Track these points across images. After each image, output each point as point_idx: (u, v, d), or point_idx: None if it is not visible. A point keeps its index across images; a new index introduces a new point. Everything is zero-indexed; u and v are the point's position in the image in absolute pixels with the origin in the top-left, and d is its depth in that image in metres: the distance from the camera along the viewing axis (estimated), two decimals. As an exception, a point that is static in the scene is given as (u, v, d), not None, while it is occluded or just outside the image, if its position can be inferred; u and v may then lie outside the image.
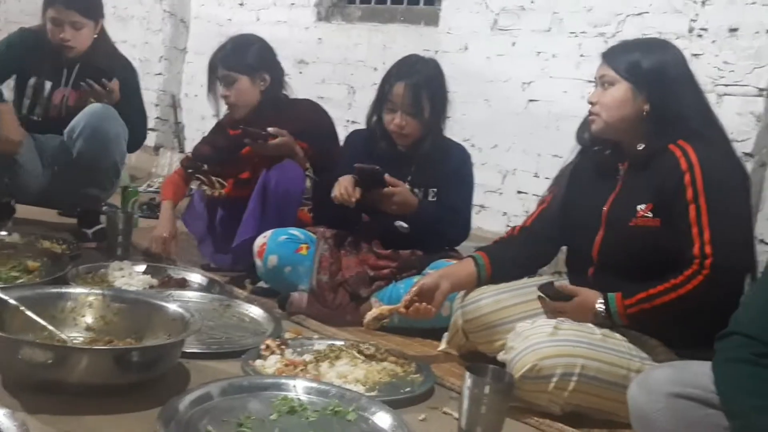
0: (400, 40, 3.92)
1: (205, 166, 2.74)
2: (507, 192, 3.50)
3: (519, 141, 3.44)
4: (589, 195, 1.88)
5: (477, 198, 3.46)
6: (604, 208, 1.83)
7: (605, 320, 1.72)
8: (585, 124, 1.90)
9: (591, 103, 1.82)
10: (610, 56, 1.82)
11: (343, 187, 2.18)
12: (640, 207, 1.75)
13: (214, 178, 2.72)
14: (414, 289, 1.90)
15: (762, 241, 2.61)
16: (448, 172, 2.39)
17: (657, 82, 1.76)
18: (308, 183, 2.53)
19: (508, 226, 3.17)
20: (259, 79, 2.60)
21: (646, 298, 1.67)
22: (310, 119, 2.65)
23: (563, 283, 1.79)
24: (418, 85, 2.28)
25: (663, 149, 1.74)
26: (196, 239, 2.83)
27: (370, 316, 1.90)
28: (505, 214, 3.48)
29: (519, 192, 3.44)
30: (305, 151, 2.53)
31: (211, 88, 2.64)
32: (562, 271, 2.04)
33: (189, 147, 4.80)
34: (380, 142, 2.38)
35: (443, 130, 2.42)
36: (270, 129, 2.44)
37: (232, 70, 2.58)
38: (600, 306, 1.72)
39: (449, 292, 1.92)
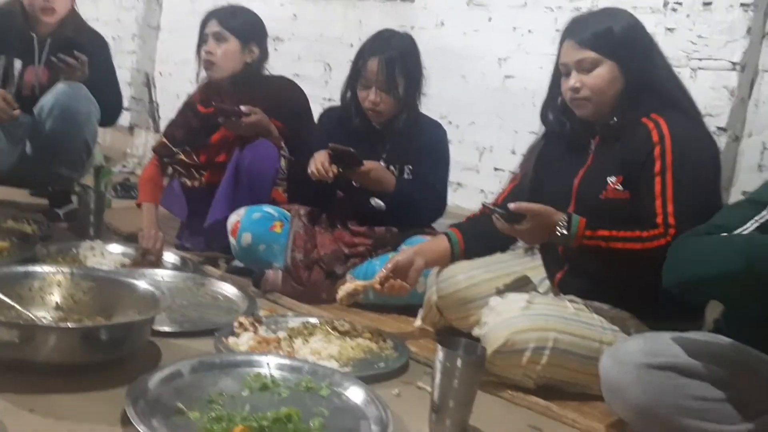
0: (376, 16, 3.87)
1: (180, 154, 2.64)
2: (484, 169, 3.50)
3: (496, 118, 3.43)
4: (559, 170, 1.88)
5: (454, 175, 3.45)
6: (575, 182, 1.82)
7: (558, 239, 1.69)
8: (549, 105, 1.90)
9: (574, 89, 1.76)
10: (580, 36, 1.76)
11: (320, 163, 2.16)
12: (611, 180, 1.75)
13: (191, 166, 2.65)
14: (388, 265, 1.89)
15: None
16: (424, 148, 2.37)
17: (633, 55, 1.75)
18: (283, 162, 2.50)
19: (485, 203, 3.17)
20: (247, 50, 2.57)
21: (607, 237, 1.65)
22: (285, 97, 2.62)
23: (520, 204, 1.74)
24: (392, 60, 2.25)
25: (636, 122, 1.74)
26: (180, 219, 2.77)
27: (343, 291, 1.90)
28: (482, 191, 3.47)
29: (496, 169, 3.43)
30: (280, 129, 2.50)
31: (201, 46, 2.57)
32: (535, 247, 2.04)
33: (164, 126, 4.73)
34: (354, 119, 2.36)
35: (418, 107, 2.40)
36: (243, 107, 2.40)
37: (226, 28, 2.53)
38: (561, 227, 1.67)
39: (423, 268, 1.91)
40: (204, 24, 2.57)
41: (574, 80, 1.76)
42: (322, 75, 4.11)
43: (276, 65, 4.00)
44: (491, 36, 3.41)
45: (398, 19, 3.73)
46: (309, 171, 2.18)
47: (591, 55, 1.74)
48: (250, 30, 2.57)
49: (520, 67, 3.31)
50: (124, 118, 5.09)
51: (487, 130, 3.47)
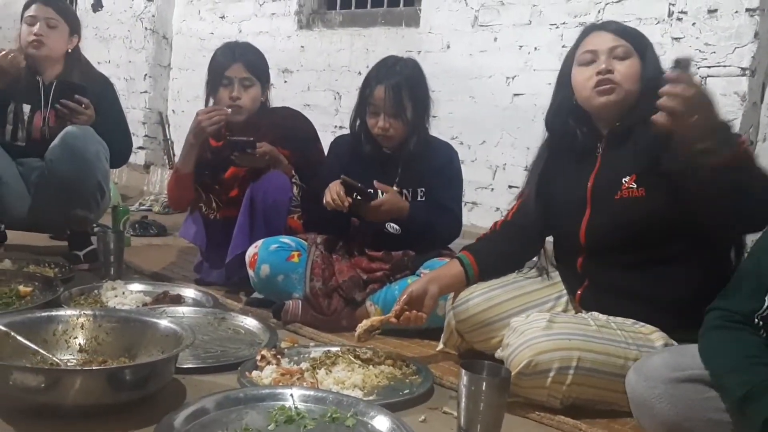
0: (382, 43, 3.92)
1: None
2: (498, 187, 3.50)
3: (507, 135, 3.44)
4: (569, 177, 1.87)
5: (468, 194, 3.48)
6: (588, 185, 1.82)
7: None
8: (555, 110, 1.89)
9: (606, 71, 1.73)
10: (614, 28, 1.79)
11: (335, 193, 2.17)
12: (625, 179, 1.74)
13: (212, 196, 2.69)
14: (403, 297, 1.89)
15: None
16: (436, 170, 2.38)
17: (652, 58, 1.78)
18: (295, 190, 2.52)
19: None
20: (265, 89, 2.62)
21: None
22: (291, 126, 2.65)
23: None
24: (399, 86, 2.27)
25: (645, 120, 1.73)
26: (199, 249, 2.79)
27: (361, 328, 1.89)
28: (497, 209, 3.47)
29: (510, 186, 3.44)
30: (288, 157, 2.53)
31: (215, 89, 2.61)
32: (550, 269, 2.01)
33: (179, 163, 4.78)
34: (365, 145, 2.38)
35: (428, 129, 2.41)
36: (253, 139, 2.43)
37: (252, 73, 2.58)
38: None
39: (438, 295, 1.91)
40: (225, 67, 2.60)
41: (606, 64, 1.74)
42: (332, 103, 4.15)
43: (286, 96, 4.09)
44: (498, 55, 3.43)
45: (405, 44, 3.77)
46: (324, 201, 2.19)
47: (625, 44, 1.75)
48: (266, 71, 2.65)
49: (528, 84, 3.32)
50: (140, 157, 5.17)
51: (499, 148, 3.48)
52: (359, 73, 3.90)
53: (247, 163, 2.49)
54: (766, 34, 2.60)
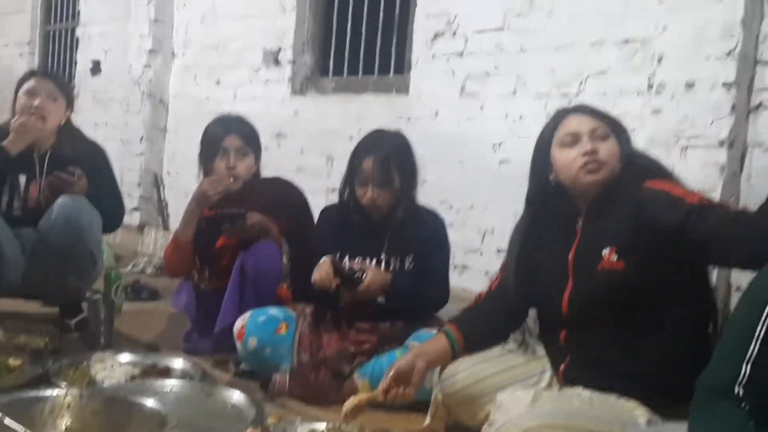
0: (373, 109, 4.01)
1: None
2: (487, 251, 3.54)
3: (495, 200, 3.49)
4: (550, 248, 1.92)
5: (458, 258, 3.51)
6: (569, 257, 1.86)
7: None
8: (535, 188, 1.95)
9: (591, 152, 1.80)
10: (589, 110, 1.89)
11: (324, 272, 2.22)
12: (605, 251, 1.79)
13: (203, 266, 2.72)
14: (390, 373, 1.91)
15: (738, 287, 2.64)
16: (423, 238, 2.43)
17: (624, 137, 1.87)
18: (285, 260, 2.55)
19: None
20: (258, 160, 2.69)
21: None
22: (282, 195, 2.71)
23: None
24: (387, 158, 2.34)
25: (625, 193, 1.79)
26: (189, 318, 2.81)
27: (348, 406, 1.90)
28: (487, 273, 3.49)
29: (498, 251, 3.46)
30: (279, 227, 2.57)
31: (210, 159, 2.66)
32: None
33: (173, 223, 4.84)
34: (354, 214, 2.43)
35: (415, 198, 2.47)
36: (243, 212, 2.48)
37: (248, 144, 2.65)
38: None
39: (425, 370, 1.93)
40: (221, 137, 2.66)
41: (589, 145, 1.80)
42: (324, 167, 4.22)
43: (281, 159, 4.16)
44: (485, 123, 3.51)
45: (395, 110, 3.86)
46: (312, 279, 2.22)
47: (603, 125, 1.84)
48: (259, 142, 2.74)
49: (515, 151, 3.39)
50: (134, 218, 5.21)
51: (488, 212, 3.53)
52: (351, 137, 3.96)
53: (238, 233, 2.54)
54: (742, 107, 2.68)
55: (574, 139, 1.84)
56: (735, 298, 2.67)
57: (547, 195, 1.93)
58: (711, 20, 2.63)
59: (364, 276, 2.26)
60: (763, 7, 2.66)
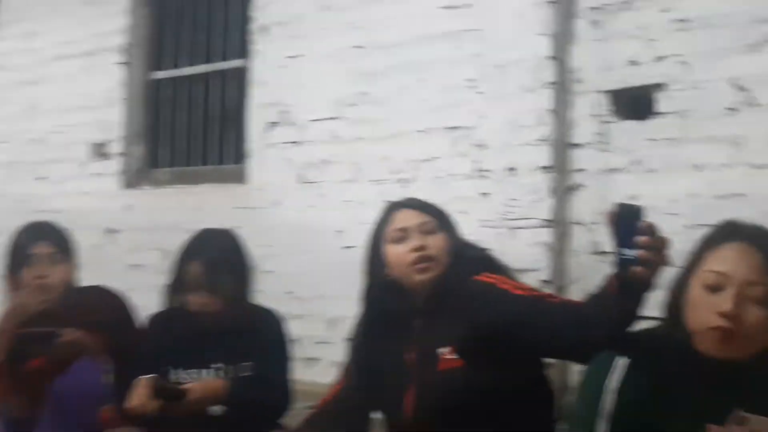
0: (211, 200, 3.89)
1: None
2: (336, 341, 3.45)
3: (341, 288, 3.43)
4: (388, 350, 1.85)
5: (308, 350, 3.40)
6: (408, 359, 1.80)
7: None
8: (369, 286, 1.91)
9: (420, 247, 1.77)
10: (418, 204, 1.87)
11: (138, 396, 2.01)
12: (443, 351, 1.75)
13: (17, 392, 2.41)
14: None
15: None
16: (261, 341, 2.28)
17: (453, 230, 1.87)
18: (108, 379, 2.32)
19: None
20: (73, 268, 2.45)
21: None
22: (101, 305, 2.48)
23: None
24: (215, 260, 2.21)
25: (456, 292, 1.77)
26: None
27: None
28: (336, 364, 3.40)
29: (349, 339, 3.40)
30: (100, 343, 2.34)
31: (18, 269, 2.39)
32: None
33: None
34: (183, 322, 2.26)
35: (248, 299, 2.33)
36: (54, 329, 2.23)
37: (60, 251, 2.40)
38: None
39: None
40: (29, 245, 2.42)
41: (419, 241, 1.77)
42: (161, 263, 3.99)
43: (111, 257, 3.90)
44: (325, 210, 3.50)
45: (233, 201, 3.77)
46: (125, 407, 2.02)
47: (432, 219, 1.82)
48: (74, 248, 2.48)
49: (357, 237, 3.36)
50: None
51: (335, 301, 3.46)
52: (188, 230, 3.80)
53: (51, 354, 2.27)
54: (561, 187, 2.85)
55: (403, 234, 1.82)
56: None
57: (382, 292, 1.88)
58: (524, 109, 2.81)
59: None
60: (570, 96, 2.88)
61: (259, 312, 2.36)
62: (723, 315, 1.30)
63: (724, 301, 1.30)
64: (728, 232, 1.39)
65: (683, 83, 2.66)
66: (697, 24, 2.62)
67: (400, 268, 1.81)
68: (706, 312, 1.32)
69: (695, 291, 1.36)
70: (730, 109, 2.57)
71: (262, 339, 2.29)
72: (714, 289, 1.33)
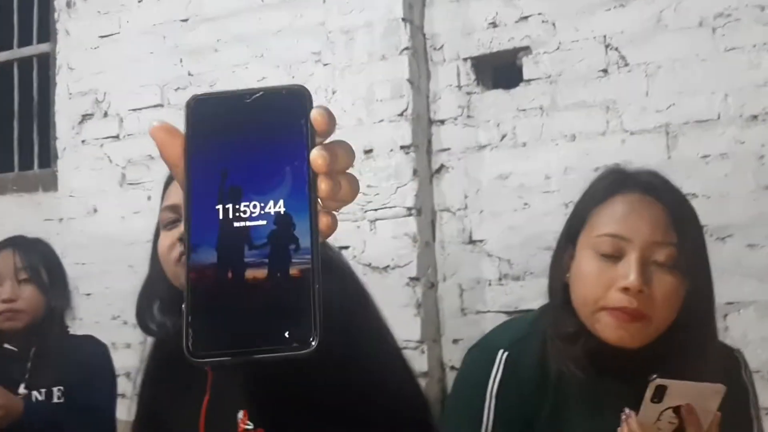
0: (15, 212, 3.26)
1: None
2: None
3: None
4: (179, 407, 1.38)
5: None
6: (201, 421, 1.34)
7: None
8: (146, 307, 1.43)
9: None
10: None
11: None
12: (239, 416, 1.31)
13: None
14: None
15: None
16: (76, 366, 2.01)
17: None
18: None
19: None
20: None
21: None
22: None
23: None
24: (24, 248, 1.96)
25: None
26: None
27: None
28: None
29: (191, 367, 2.89)
30: None
31: None
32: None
33: None
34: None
35: (66, 319, 2.06)
36: None
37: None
38: None
39: None
40: None
41: None
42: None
43: None
44: (154, 218, 2.95)
45: (42, 212, 3.20)
46: None
47: None
48: None
49: (194, 246, 2.89)
50: None
51: (172, 323, 2.94)
52: (-14, 252, 3.14)
53: None
54: (425, 170, 2.49)
55: None
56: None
57: (163, 314, 1.41)
58: (377, 80, 2.43)
59: None
60: (428, 65, 2.54)
61: (76, 338, 2.13)
62: (626, 291, 1.01)
63: (625, 273, 1.01)
64: (617, 182, 1.09)
65: (549, 45, 2.38)
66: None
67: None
68: (602, 289, 1.03)
69: (585, 263, 1.06)
70: (601, 71, 2.32)
71: (78, 363, 2.04)
72: (609, 257, 1.04)
